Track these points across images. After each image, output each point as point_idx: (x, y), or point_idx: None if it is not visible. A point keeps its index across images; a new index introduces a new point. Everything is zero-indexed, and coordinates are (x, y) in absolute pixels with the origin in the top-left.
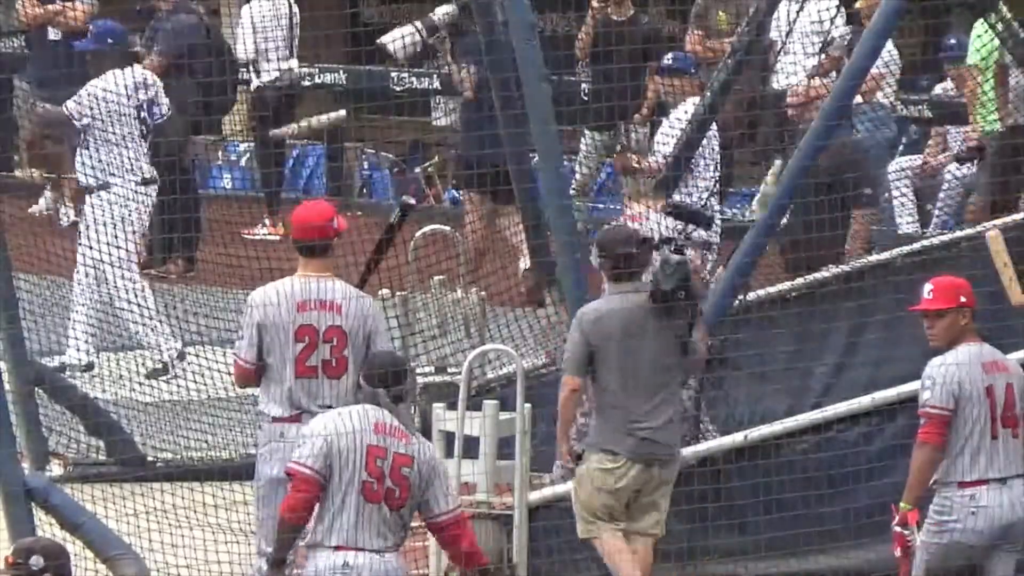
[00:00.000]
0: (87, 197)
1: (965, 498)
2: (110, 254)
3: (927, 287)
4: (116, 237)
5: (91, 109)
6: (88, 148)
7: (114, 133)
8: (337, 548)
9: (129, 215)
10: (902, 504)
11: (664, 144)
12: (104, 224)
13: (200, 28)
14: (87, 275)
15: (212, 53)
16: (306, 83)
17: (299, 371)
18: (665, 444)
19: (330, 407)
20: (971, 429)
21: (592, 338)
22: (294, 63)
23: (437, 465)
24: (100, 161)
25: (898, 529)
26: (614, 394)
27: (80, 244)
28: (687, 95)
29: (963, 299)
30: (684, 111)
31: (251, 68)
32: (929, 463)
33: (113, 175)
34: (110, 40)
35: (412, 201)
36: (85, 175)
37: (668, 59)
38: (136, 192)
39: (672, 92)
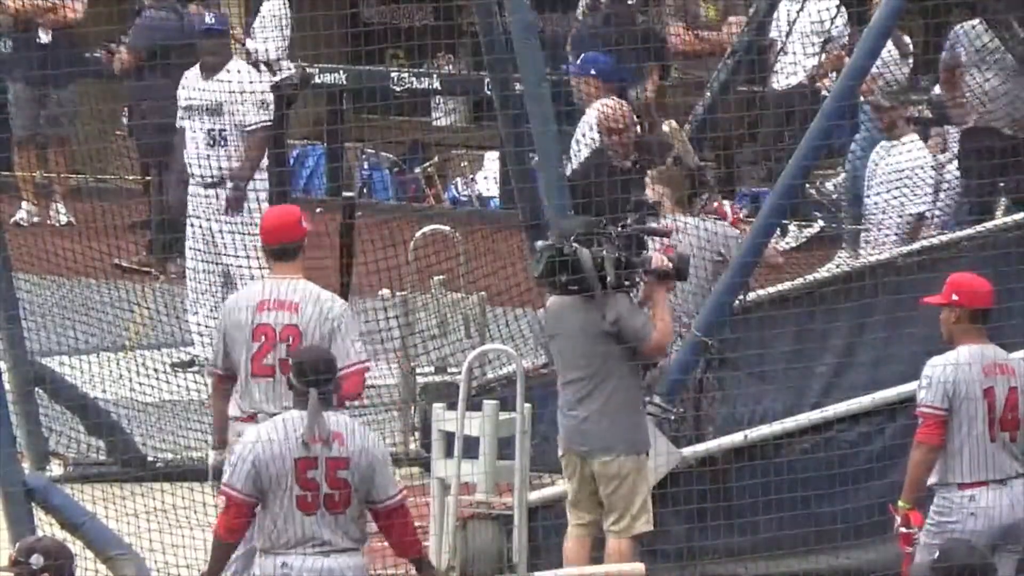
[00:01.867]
0: (202, 191)
1: (965, 499)
2: (243, 243)
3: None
4: (250, 224)
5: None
6: (221, 140)
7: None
8: (276, 553)
9: (258, 203)
10: (900, 504)
11: (576, 152)
12: (241, 213)
13: (179, 24)
14: (219, 270)
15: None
16: None
17: (254, 370)
18: (587, 436)
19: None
20: (968, 430)
21: (544, 328)
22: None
23: (376, 457)
24: (233, 154)
25: (904, 530)
26: (558, 383)
27: (202, 240)
28: (593, 98)
29: (954, 297)
30: (592, 116)
31: (259, 68)
32: (925, 462)
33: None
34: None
35: (351, 194)
36: (219, 168)
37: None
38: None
39: (581, 94)
